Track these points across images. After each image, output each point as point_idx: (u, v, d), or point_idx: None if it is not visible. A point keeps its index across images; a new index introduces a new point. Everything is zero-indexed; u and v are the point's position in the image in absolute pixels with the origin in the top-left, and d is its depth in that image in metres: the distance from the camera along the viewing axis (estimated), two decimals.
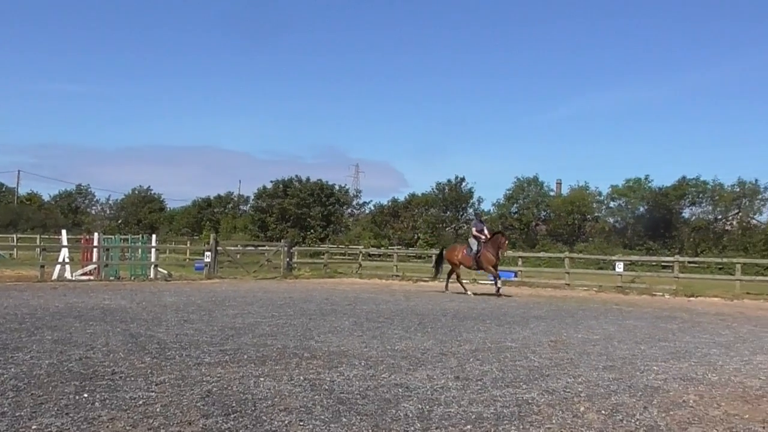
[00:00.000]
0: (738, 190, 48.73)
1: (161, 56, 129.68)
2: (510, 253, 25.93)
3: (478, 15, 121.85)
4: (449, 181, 58.72)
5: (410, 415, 5.14)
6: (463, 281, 20.38)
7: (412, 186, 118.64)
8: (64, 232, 25.12)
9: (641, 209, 51.61)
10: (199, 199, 71.60)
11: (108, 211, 79.38)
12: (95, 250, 22.37)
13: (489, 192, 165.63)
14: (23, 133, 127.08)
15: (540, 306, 15.84)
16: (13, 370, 6.38)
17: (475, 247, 19.29)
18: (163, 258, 31.64)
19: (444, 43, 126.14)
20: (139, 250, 24.59)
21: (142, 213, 72.76)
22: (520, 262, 26.91)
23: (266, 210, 60.72)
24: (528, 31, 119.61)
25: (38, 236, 42.62)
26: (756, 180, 48.54)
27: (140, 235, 31.03)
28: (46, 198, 78.29)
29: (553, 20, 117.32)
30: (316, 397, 5.65)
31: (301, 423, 4.86)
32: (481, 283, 22.91)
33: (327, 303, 14.79)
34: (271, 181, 62.64)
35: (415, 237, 54.73)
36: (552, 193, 57.84)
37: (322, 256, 30.96)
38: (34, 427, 4.59)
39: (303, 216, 58.63)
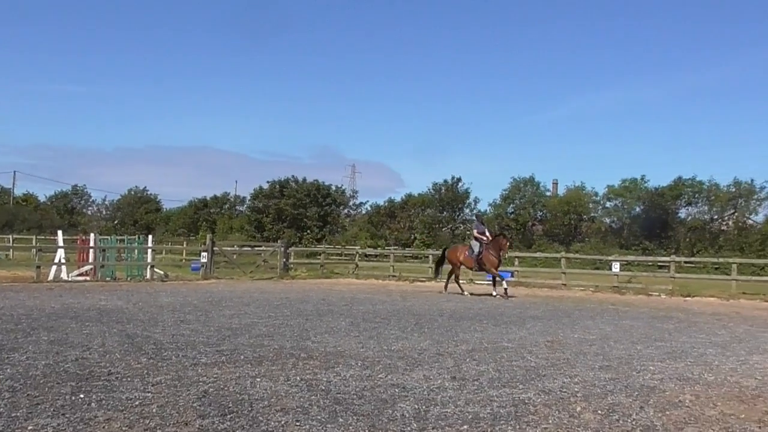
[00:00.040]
0: (734, 190, 48.84)
1: (157, 57, 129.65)
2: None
3: (475, 16, 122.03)
4: (446, 181, 58.78)
5: (407, 416, 5.15)
6: (461, 282, 20.37)
7: (409, 186, 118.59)
8: (60, 232, 25.04)
9: (637, 209, 51.68)
10: (196, 199, 71.59)
11: (104, 212, 79.30)
12: (91, 250, 22.34)
13: (485, 192, 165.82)
14: (19, 133, 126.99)
15: (536, 306, 15.85)
16: (9, 370, 6.36)
17: (477, 249, 19.26)
18: (160, 258, 31.59)
19: (441, 44, 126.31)
20: (136, 251, 24.56)
21: (138, 213, 72.66)
22: (516, 262, 26.90)
23: (263, 210, 60.70)
24: (525, 31, 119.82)
25: (34, 237, 42.55)
26: (752, 180, 48.68)
27: (136, 236, 31.02)
28: (42, 199, 78.21)
29: (549, 21, 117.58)
30: (313, 397, 5.65)
31: (298, 423, 4.86)
32: (478, 284, 22.92)
33: (323, 303, 14.78)
34: (268, 182, 62.65)
35: (412, 237, 54.72)
36: (548, 193, 57.89)
37: (318, 257, 30.95)
38: (30, 427, 4.58)
39: (299, 216, 58.61)
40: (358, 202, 66.94)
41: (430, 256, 28.86)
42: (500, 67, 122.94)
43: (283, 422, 4.87)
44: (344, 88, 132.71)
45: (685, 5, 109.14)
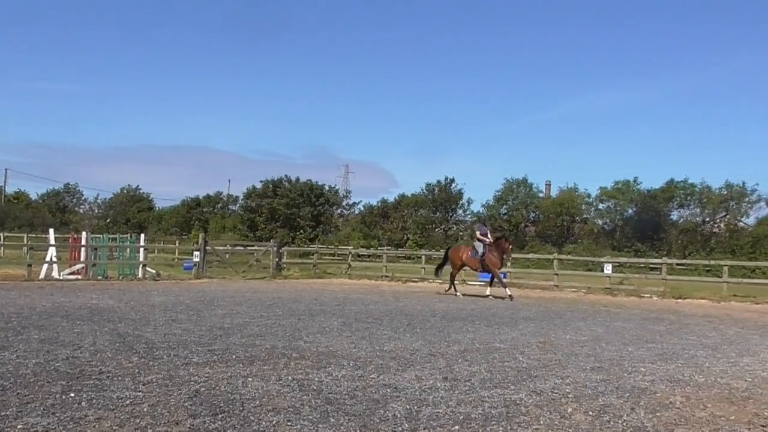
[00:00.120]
0: (725, 192, 49.05)
1: (151, 57, 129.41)
2: None
3: (469, 17, 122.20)
4: (439, 181, 58.85)
5: (398, 416, 5.15)
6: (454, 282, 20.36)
7: (402, 187, 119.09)
8: (51, 231, 24.96)
9: (630, 211, 51.87)
10: (188, 198, 71.47)
11: (96, 210, 79.05)
12: (83, 249, 22.25)
13: (479, 193, 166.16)
14: (12, 131, 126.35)
15: (528, 307, 15.88)
16: None
17: (480, 250, 19.23)
18: (152, 257, 31.52)
19: (435, 45, 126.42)
20: (128, 250, 24.47)
21: (130, 212, 72.48)
22: (508, 263, 26.93)
23: (255, 210, 60.60)
24: (518, 33, 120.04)
25: (25, 235, 42.31)
26: (743, 183, 48.91)
27: (129, 235, 30.88)
28: (33, 197, 77.92)
29: (543, 23, 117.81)
30: (305, 397, 5.64)
31: (289, 423, 4.85)
32: (470, 284, 22.96)
33: (316, 303, 14.77)
34: (261, 181, 62.58)
35: (405, 238, 54.76)
36: (541, 195, 58.03)
37: (311, 257, 30.89)
38: (20, 426, 4.56)
39: (292, 216, 58.54)
40: (351, 202, 66.96)
41: (423, 257, 28.87)
42: (494, 68, 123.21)
43: (274, 422, 4.86)
44: (338, 88, 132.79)
45: (680, 7, 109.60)
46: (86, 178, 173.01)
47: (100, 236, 27.78)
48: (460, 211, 59.15)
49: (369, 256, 37.86)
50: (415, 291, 20.87)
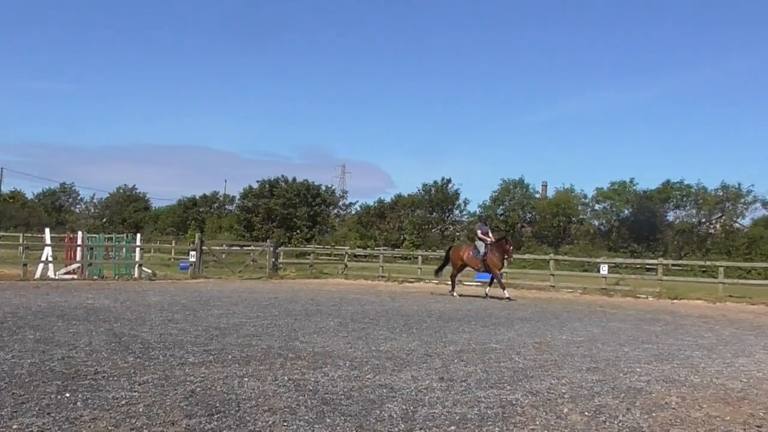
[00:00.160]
0: (721, 193, 49.21)
1: (148, 56, 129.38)
2: None
3: (465, 19, 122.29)
4: (435, 182, 58.90)
5: (394, 416, 5.14)
6: (449, 283, 20.34)
7: (399, 187, 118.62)
8: (47, 230, 24.92)
9: (626, 212, 51.97)
10: (185, 198, 71.45)
11: (92, 210, 78.97)
12: (79, 248, 22.20)
13: (475, 193, 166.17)
14: (8, 131, 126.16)
15: (525, 308, 15.88)
16: None
17: (482, 250, 19.12)
18: (148, 257, 31.47)
19: (431, 46, 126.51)
20: (124, 249, 24.44)
21: (126, 212, 72.40)
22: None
23: (252, 210, 60.61)
24: (514, 34, 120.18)
25: (21, 234, 42.06)
26: (739, 184, 49.10)
27: (125, 234, 30.84)
28: (29, 196, 77.77)
29: (539, 24, 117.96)
30: (301, 397, 5.64)
31: (285, 423, 4.85)
32: (466, 285, 22.96)
33: (312, 303, 14.76)
34: (258, 181, 62.64)
35: (401, 238, 54.78)
36: (537, 195, 58.14)
37: (307, 257, 30.89)
38: (15, 426, 4.55)
39: (289, 216, 58.54)
40: (347, 202, 67.11)
41: (420, 257, 28.88)
42: (490, 69, 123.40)
43: (270, 422, 4.86)
44: (335, 88, 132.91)
45: (676, 9, 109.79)
46: (82, 178, 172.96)
47: (96, 236, 27.72)
48: (456, 212, 59.25)
49: (365, 256, 37.90)
50: (412, 291, 20.87)
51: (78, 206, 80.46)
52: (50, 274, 21.05)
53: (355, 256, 35.92)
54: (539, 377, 6.95)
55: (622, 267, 30.83)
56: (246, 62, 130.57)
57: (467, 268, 20.50)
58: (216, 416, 4.96)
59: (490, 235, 19.93)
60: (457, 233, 56.06)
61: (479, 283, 22.41)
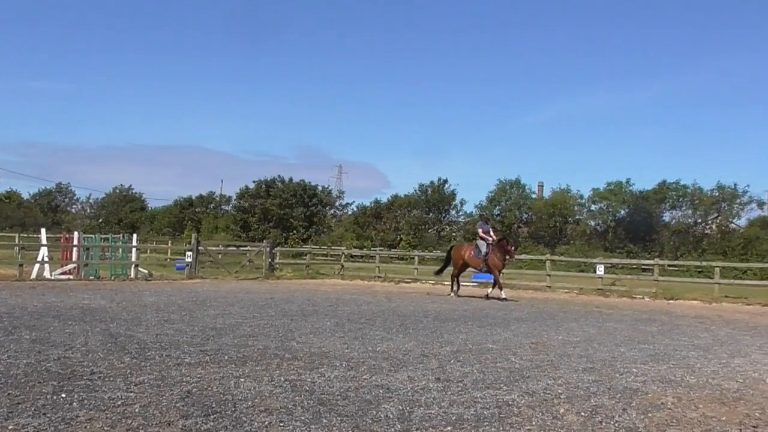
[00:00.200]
0: (717, 194, 49.32)
1: (144, 56, 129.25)
2: None
3: (461, 20, 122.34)
4: (432, 182, 58.95)
5: (391, 417, 5.14)
6: (448, 283, 20.31)
7: (395, 187, 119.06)
8: (43, 230, 24.88)
9: (622, 212, 52.06)
10: (181, 198, 71.38)
11: (88, 210, 78.87)
12: (75, 249, 22.15)
13: (472, 194, 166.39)
14: (4, 130, 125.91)
15: (521, 308, 15.89)
16: None
17: (484, 249, 18.84)
18: (144, 258, 31.43)
19: (428, 47, 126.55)
20: (120, 250, 24.40)
21: (123, 212, 72.29)
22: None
23: (248, 210, 60.56)
24: (511, 36, 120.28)
25: (17, 235, 42.10)
26: (735, 184, 49.22)
27: (121, 235, 30.79)
28: (25, 196, 77.61)
29: (535, 25, 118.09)
30: (297, 398, 5.63)
31: (282, 424, 4.84)
32: (463, 285, 22.95)
33: (309, 304, 14.75)
34: (254, 182, 62.60)
35: (398, 238, 54.81)
36: (534, 196, 58.20)
37: (304, 257, 30.88)
38: (10, 427, 4.54)
39: (285, 216, 58.50)
40: (344, 202, 67.02)
41: (416, 258, 28.89)
42: (487, 70, 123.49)
43: (266, 423, 4.85)
44: (331, 89, 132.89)
45: (672, 11, 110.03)
46: (78, 178, 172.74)
47: (92, 236, 27.69)
48: (453, 212, 59.27)
49: (362, 256, 37.90)
50: (408, 292, 20.86)
51: (74, 206, 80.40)
52: (46, 274, 21.00)
53: (352, 256, 35.91)
54: (536, 378, 6.95)
55: (618, 267, 30.86)
56: (243, 63, 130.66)
57: (468, 269, 20.30)
58: (212, 417, 4.95)
59: (492, 233, 19.65)
60: (454, 234, 56.10)
61: (476, 284, 22.41)
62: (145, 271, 23.26)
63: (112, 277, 21.96)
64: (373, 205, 60.60)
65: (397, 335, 9.92)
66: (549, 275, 24.10)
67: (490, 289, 18.98)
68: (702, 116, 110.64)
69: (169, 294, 16.08)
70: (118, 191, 76.15)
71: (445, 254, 22.00)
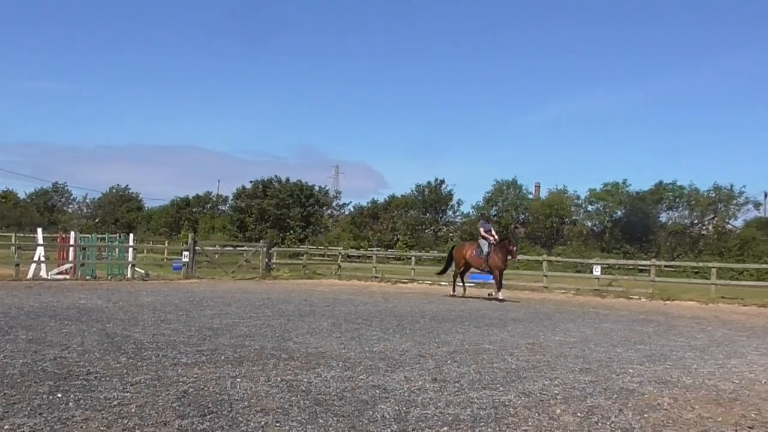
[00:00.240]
0: (714, 195, 49.41)
1: (141, 56, 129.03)
2: None
3: (458, 20, 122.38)
4: (429, 183, 58.96)
5: (387, 417, 5.14)
6: (446, 283, 20.23)
7: (392, 187, 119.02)
8: (39, 230, 24.78)
9: (619, 213, 52.14)
10: (178, 198, 71.26)
11: (85, 210, 78.72)
12: (71, 248, 22.13)
13: (468, 194, 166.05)
14: (3, 131, 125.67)
15: (518, 308, 15.90)
16: None
17: (486, 249, 18.64)
18: (141, 257, 31.38)
19: (425, 47, 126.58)
20: (116, 250, 24.36)
21: (119, 212, 72.16)
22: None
23: (245, 210, 60.49)
24: (509, 37, 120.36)
25: (13, 234, 41.96)
26: (731, 185, 49.30)
27: (117, 234, 30.75)
28: (21, 196, 77.45)
29: (534, 25, 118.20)
30: (293, 398, 5.63)
31: (278, 424, 4.84)
32: (459, 285, 22.92)
33: (305, 304, 14.74)
34: (251, 182, 62.51)
35: (395, 239, 54.80)
36: (531, 196, 58.22)
37: (301, 257, 30.84)
38: (6, 427, 4.53)
39: (282, 216, 58.46)
40: (341, 202, 67.05)
41: (413, 258, 28.88)
42: (484, 70, 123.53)
43: (263, 423, 4.85)
44: (329, 89, 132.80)
45: (669, 11, 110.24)
46: (75, 178, 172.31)
47: (89, 236, 27.63)
48: (450, 212, 59.29)
49: (359, 256, 37.88)
50: (405, 292, 20.86)
51: (70, 206, 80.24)
52: (42, 274, 20.96)
53: (349, 256, 35.89)
54: (532, 378, 6.96)
55: (614, 268, 30.91)
56: (240, 63, 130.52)
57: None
58: (208, 417, 4.95)
59: (493, 232, 19.46)
60: (451, 234, 56.12)
61: (473, 284, 22.41)
62: (142, 271, 23.23)
63: (109, 277, 21.93)
64: (370, 205, 60.64)
65: (393, 335, 9.92)
66: (546, 276, 24.11)
67: (494, 291, 18.80)
68: (699, 117, 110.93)
69: (165, 294, 16.06)
70: (114, 191, 76.04)
71: (444, 254, 21.88)
